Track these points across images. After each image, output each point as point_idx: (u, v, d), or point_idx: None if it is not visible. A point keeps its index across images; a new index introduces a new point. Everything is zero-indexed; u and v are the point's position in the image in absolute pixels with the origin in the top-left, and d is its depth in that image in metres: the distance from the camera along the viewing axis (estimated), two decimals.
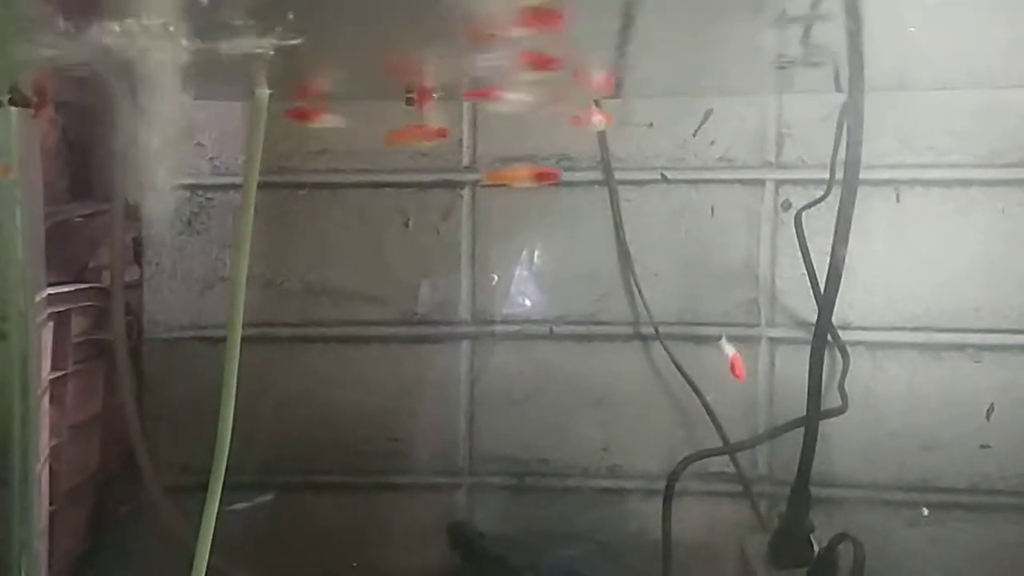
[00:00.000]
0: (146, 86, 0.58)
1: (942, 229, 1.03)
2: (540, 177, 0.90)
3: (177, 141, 0.60)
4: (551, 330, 1.08)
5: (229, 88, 0.82)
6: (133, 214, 1.06)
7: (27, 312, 0.65)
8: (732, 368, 0.89)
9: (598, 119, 0.83)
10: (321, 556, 1.07)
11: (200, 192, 1.07)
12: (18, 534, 0.67)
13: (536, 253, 1.08)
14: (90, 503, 1.04)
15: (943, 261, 1.03)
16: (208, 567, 0.67)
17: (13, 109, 0.65)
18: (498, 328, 1.08)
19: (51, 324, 0.93)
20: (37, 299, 0.71)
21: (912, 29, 0.61)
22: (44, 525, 0.83)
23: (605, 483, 1.08)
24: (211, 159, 1.07)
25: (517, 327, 1.08)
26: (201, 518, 0.67)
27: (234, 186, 1.05)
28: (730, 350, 0.88)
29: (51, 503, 0.93)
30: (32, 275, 0.68)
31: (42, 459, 0.81)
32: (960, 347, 1.03)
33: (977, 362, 1.03)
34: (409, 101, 0.81)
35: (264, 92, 0.64)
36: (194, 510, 0.73)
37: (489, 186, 1.06)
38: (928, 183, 1.03)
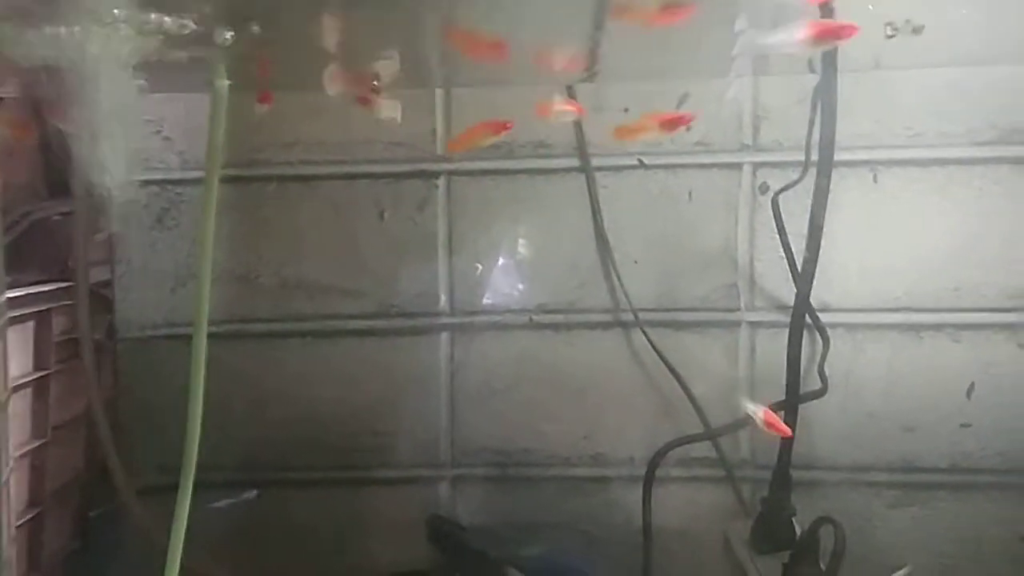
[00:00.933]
0: (104, 78, 0.57)
1: (919, 209, 1.03)
2: (671, 124, 0.81)
3: (137, 134, 0.59)
4: (531, 319, 1.07)
5: (189, 80, 0.80)
6: (106, 211, 1.04)
7: None
8: (771, 427, 0.83)
9: (564, 108, 0.79)
10: (304, 552, 1.06)
11: (169, 187, 1.05)
12: None
13: (514, 242, 1.07)
14: (76, 503, 1.03)
15: (921, 241, 1.03)
16: (181, 566, 0.66)
17: None
18: (477, 318, 1.07)
19: (32, 323, 0.92)
20: None
21: (871, 7, 0.60)
22: (13, 532, 0.81)
23: (587, 471, 1.07)
24: (180, 153, 1.05)
25: (496, 317, 1.07)
26: (173, 518, 0.66)
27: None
28: (757, 409, 0.85)
29: (36, 504, 0.92)
30: None
31: (9, 465, 0.79)
32: (939, 327, 1.03)
33: (957, 342, 1.03)
34: (375, 90, 0.79)
35: (224, 83, 0.63)
36: (172, 510, 0.72)
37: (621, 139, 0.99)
38: (905, 163, 1.03)
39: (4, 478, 0.67)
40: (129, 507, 0.93)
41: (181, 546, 0.63)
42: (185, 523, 0.64)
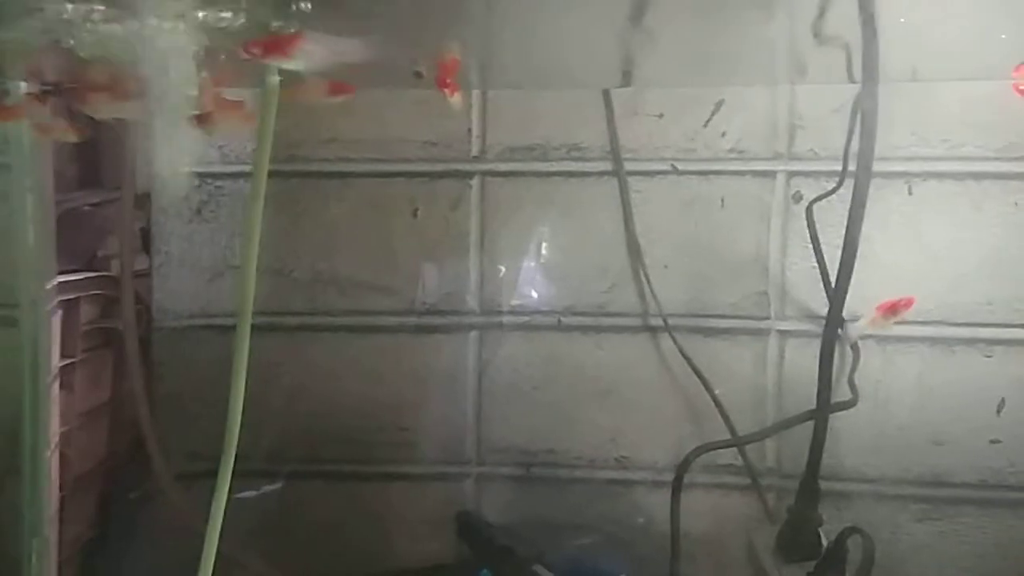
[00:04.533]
0: (157, 71, 0.58)
1: (954, 222, 1.02)
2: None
3: (188, 127, 0.60)
4: (559, 321, 1.08)
5: (239, 74, 0.81)
6: (142, 202, 1.06)
7: (38, 299, 0.65)
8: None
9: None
10: (330, 545, 1.07)
11: (209, 180, 1.07)
12: (28, 520, 0.67)
13: (545, 243, 1.08)
14: (98, 490, 1.05)
15: (955, 255, 1.02)
16: (217, 554, 0.67)
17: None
18: (506, 319, 1.08)
19: (60, 312, 0.93)
20: (47, 287, 0.71)
21: (902, 20, 0.60)
22: (54, 511, 0.83)
23: (613, 474, 1.07)
24: (220, 147, 1.06)
25: (525, 318, 1.08)
26: (210, 505, 0.67)
27: (244, 174, 1.05)
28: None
29: (60, 490, 0.94)
30: (42, 263, 0.68)
31: (52, 445, 0.81)
32: (971, 341, 1.03)
33: (988, 357, 1.03)
34: (418, 75, 0.79)
35: (275, 79, 0.64)
36: (203, 497, 0.74)
37: None
38: (941, 176, 1.02)
39: (46, 458, 0.69)
40: (167, 493, 0.94)
41: (218, 534, 0.64)
42: (223, 511, 0.65)
